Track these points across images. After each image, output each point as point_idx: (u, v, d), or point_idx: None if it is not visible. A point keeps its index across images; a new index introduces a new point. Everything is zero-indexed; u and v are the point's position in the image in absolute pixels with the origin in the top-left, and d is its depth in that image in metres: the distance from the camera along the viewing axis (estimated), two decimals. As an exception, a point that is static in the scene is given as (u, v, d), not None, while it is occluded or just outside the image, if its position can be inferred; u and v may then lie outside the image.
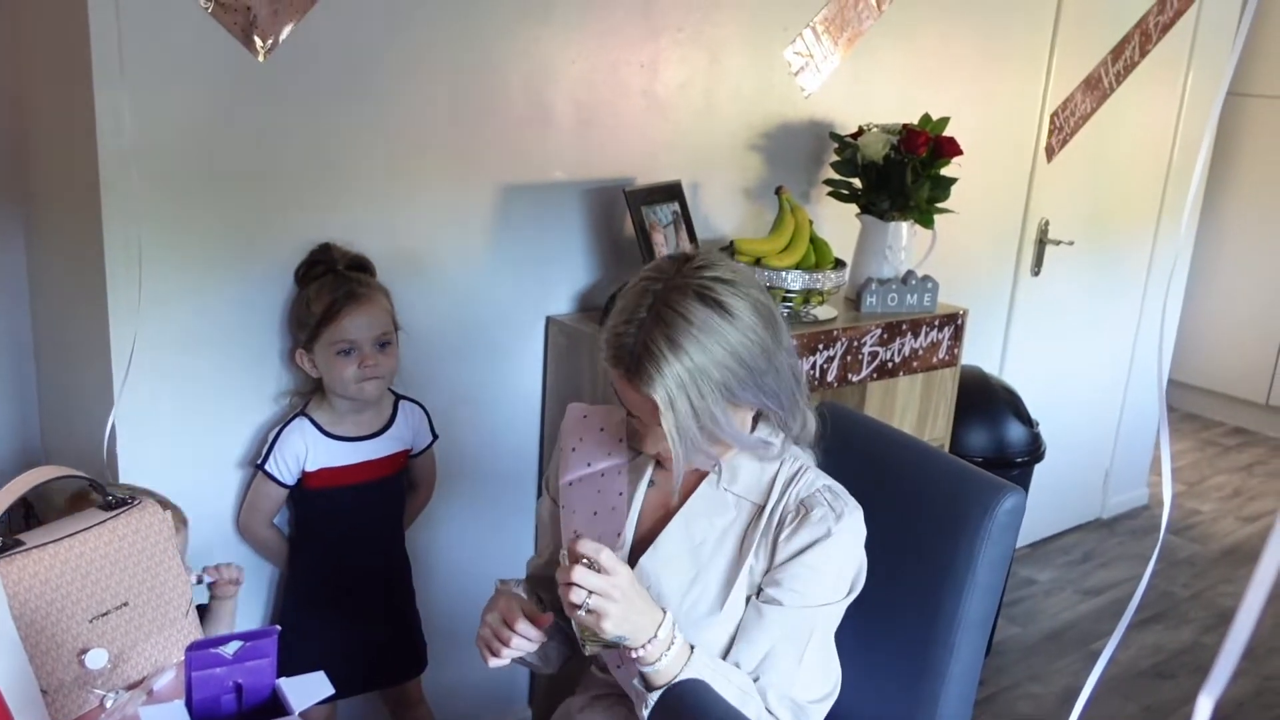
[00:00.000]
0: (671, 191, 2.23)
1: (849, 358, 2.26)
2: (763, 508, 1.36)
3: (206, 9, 1.69)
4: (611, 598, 1.18)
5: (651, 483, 1.43)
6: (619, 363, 1.26)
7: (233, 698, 1.16)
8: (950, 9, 2.71)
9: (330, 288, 1.82)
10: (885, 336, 2.31)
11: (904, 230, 2.42)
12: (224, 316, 1.84)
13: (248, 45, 1.75)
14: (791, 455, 1.39)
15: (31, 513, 1.75)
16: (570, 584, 1.18)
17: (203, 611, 1.65)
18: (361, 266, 1.89)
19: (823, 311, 2.27)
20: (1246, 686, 2.85)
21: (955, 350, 2.45)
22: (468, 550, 2.28)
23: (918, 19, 2.64)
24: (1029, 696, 2.79)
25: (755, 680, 1.32)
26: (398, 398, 1.99)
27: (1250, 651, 2.97)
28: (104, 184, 1.66)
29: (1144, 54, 3.26)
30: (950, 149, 2.34)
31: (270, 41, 1.76)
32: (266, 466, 1.88)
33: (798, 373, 1.35)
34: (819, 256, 2.29)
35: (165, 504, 1.57)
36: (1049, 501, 3.44)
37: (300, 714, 1.17)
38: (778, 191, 2.30)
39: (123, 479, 1.77)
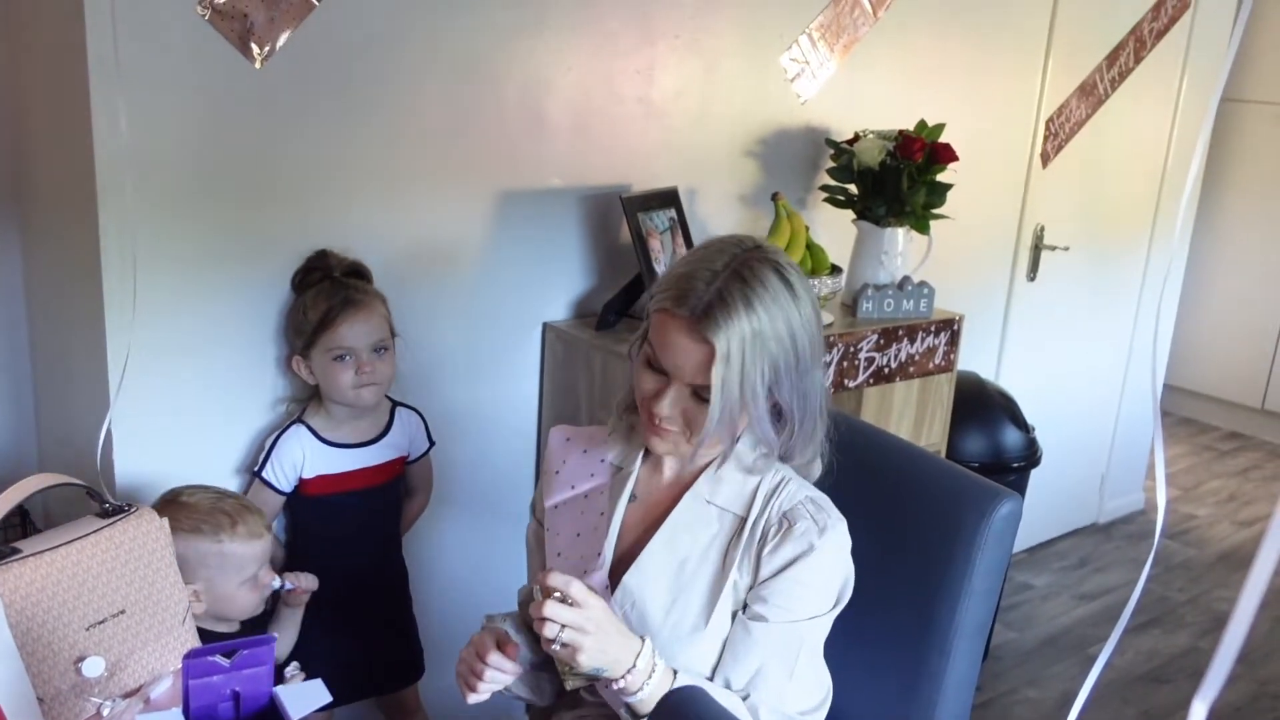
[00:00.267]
0: (668, 198, 2.23)
1: (845, 363, 2.26)
2: (745, 520, 1.34)
3: (203, 16, 1.69)
4: (585, 630, 1.18)
5: (633, 498, 1.42)
6: (683, 304, 1.24)
7: (230, 705, 1.16)
8: (946, 15, 2.72)
9: (327, 295, 1.82)
10: (881, 342, 2.31)
11: (900, 236, 2.42)
12: (220, 323, 1.84)
13: (244, 52, 1.75)
14: (774, 467, 1.38)
15: (28, 520, 1.75)
16: (542, 619, 1.17)
17: (263, 619, 1.69)
18: (359, 273, 1.89)
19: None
20: (1243, 691, 2.85)
21: (951, 356, 2.46)
22: (465, 557, 2.28)
23: (913, 25, 2.65)
24: (1026, 702, 2.79)
25: (746, 698, 1.31)
26: (395, 404, 1.99)
27: (1246, 656, 2.97)
28: (100, 190, 1.67)
29: (1139, 60, 3.27)
30: (946, 155, 2.35)
31: (267, 49, 1.77)
32: (263, 474, 1.88)
33: (824, 405, 1.34)
34: (815, 262, 2.29)
35: (250, 508, 1.62)
36: (1045, 506, 3.44)
37: (297, 722, 1.17)
38: (774, 197, 2.30)
39: (119, 486, 1.77)
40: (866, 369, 2.30)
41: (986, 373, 3.14)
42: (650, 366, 1.31)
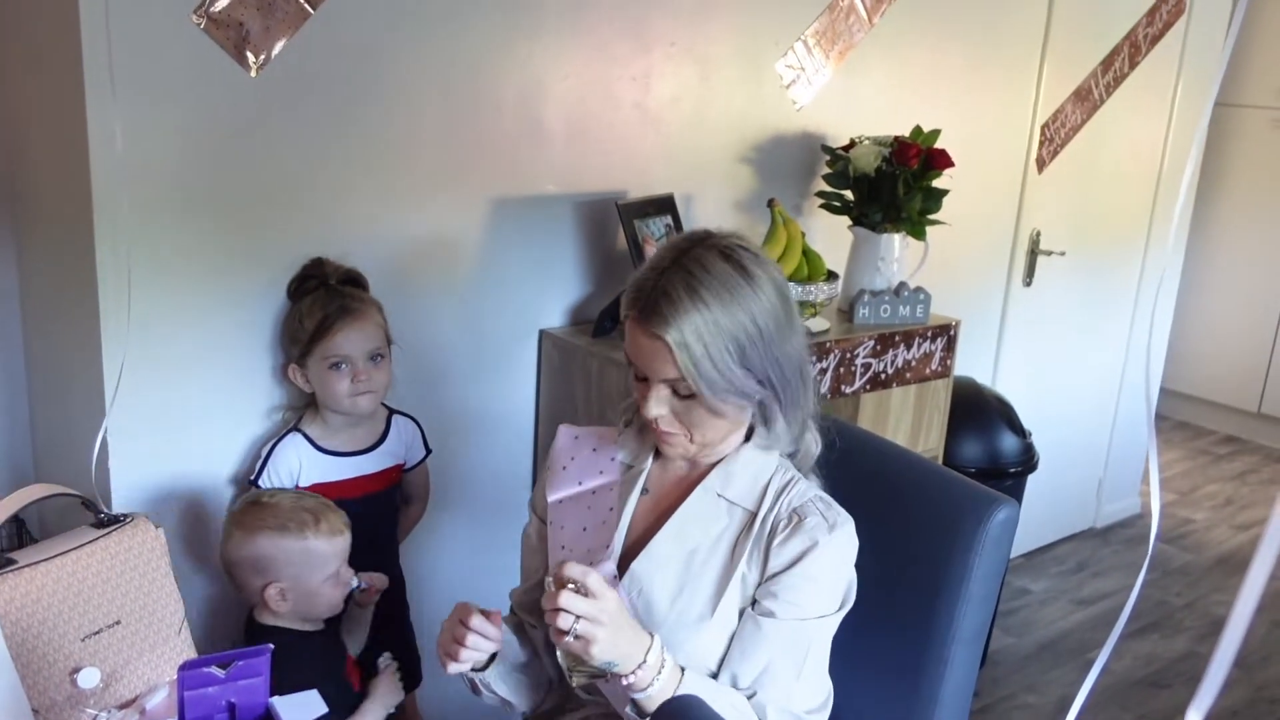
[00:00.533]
0: (664, 204, 2.23)
1: (842, 369, 2.26)
2: (755, 515, 1.36)
3: (199, 25, 1.70)
4: (599, 622, 1.17)
5: (645, 491, 1.43)
6: (635, 305, 1.28)
7: (225, 716, 1.15)
8: (941, 21, 2.73)
9: (323, 303, 1.82)
10: (878, 348, 2.31)
11: (896, 242, 2.42)
12: (216, 332, 1.84)
13: (240, 61, 1.75)
14: (783, 465, 1.40)
15: (24, 531, 1.74)
16: (557, 609, 1.16)
17: (334, 620, 1.73)
18: (354, 281, 1.89)
19: (815, 323, 2.27)
20: (1240, 696, 2.85)
21: (948, 361, 2.46)
22: (463, 564, 2.27)
23: (909, 31, 2.65)
24: (1024, 707, 2.79)
25: (753, 696, 1.31)
26: (391, 412, 1.99)
27: (1243, 660, 2.97)
28: (95, 200, 1.66)
29: (1134, 65, 3.28)
30: (942, 161, 2.35)
31: (263, 57, 1.77)
32: (260, 482, 1.88)
33: (806, 373, 1.35)
34: (811, 268, 2.29)
35: (330, 506, 1.66)
36: (1042, 511, 3.44)
37: (294, 732, 1.16)
38: (770, 204, 2.30)
39: (115, 497, 1.77)
40: (863, 375, 2.30)
41: (983, 378, 3.15)
42: (636, 375, 1.34)
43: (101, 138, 1.64)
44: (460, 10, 1.96)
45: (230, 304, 1.84)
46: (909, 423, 2.43)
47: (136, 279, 1.69)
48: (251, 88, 1.77)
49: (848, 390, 2.29)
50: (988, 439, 2.77)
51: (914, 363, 2.39)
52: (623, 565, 1.38)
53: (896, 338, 2.34)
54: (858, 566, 1.36)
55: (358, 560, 1.98)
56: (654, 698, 1.23)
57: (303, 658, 1.61)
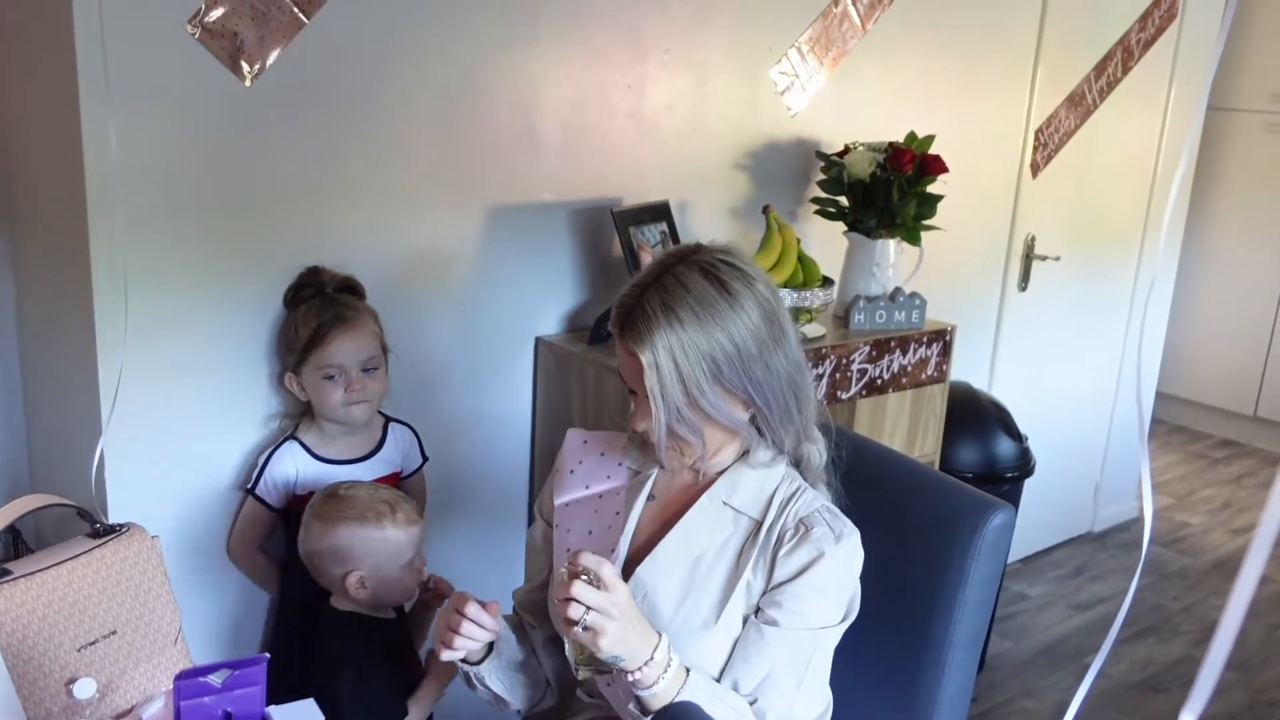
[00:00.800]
0: (659, 211, 2.24)
1: (838, 375, 2.26)
2: (760, 523, 1.36)
3: (193, 35, 1.70)
4: (609, 614, 1.17)
5: (651, 497, 1.44)
6: (617, 320, 1.31)
7: (222, 726, 1.15)
8: (934, 27, 2.74)
9: (317, 312, 1.82)
10: (874, 354, 2.31)
11: (891, 247, 2.43)
12: (212, 341, 1.84)
13: (235, 71, 1.75)
14: (790, 475, 1.40)
15: (19, 541, 1.74)
16: (568, 599, 1.17)
17: (399, 623, 1.79)
18: (351, 289, 1.89)
19: (811, 329, 2.27)
20: (1238, 699, 2.85)
21: (944, 366, 2.46)
22: (460, 572, 2.26)
23: (902, 38, 2.66)
24: (1022, 712, 2.79)
25: (754, 702, 1.31)
26: (388, 420, 1.99)
27: (1241, 664, 2.97)
28: (90, 210, 1.66)
29: (1126, 70, 3.29)
30: (936, 166, 2.36)
31: (257, 67, 1.77)
32: (256, 491, 1.88)
33: (798, 386, 1.35)
34: (807, 274, 2.30)
35: (404, 497, 1.73)
36: (1039, 516, 3.45)
37: (290, 741, 1.16)
38: (765, 210, 2.31)
39: (111, 506, 1.77)
40: (859, 381, 2.31)
41: (979, 383, 3.15)
42: (629, 388, 1.36)
43: (96, 147, 1.64)
44: (455, 19, 1.96)
45: (226, 312, 1.84)
46: (905, 428, 2.43)
47: (131, 288, 1.69)
48: (246, 97, 1.77)
49: (844, 396, 2.29)
50: (984, 444, 2.77)
51: (910, 368, 2.39)
52: (627, 570, 1.38)
53: (892, 343, 2.34)
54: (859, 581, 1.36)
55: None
56: (659, 696, 1.23)
57: (376, 641, 1.68)
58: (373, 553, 1.65)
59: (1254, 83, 4.51)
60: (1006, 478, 2.77)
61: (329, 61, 1.84)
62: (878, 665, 1.47)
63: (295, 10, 1.78)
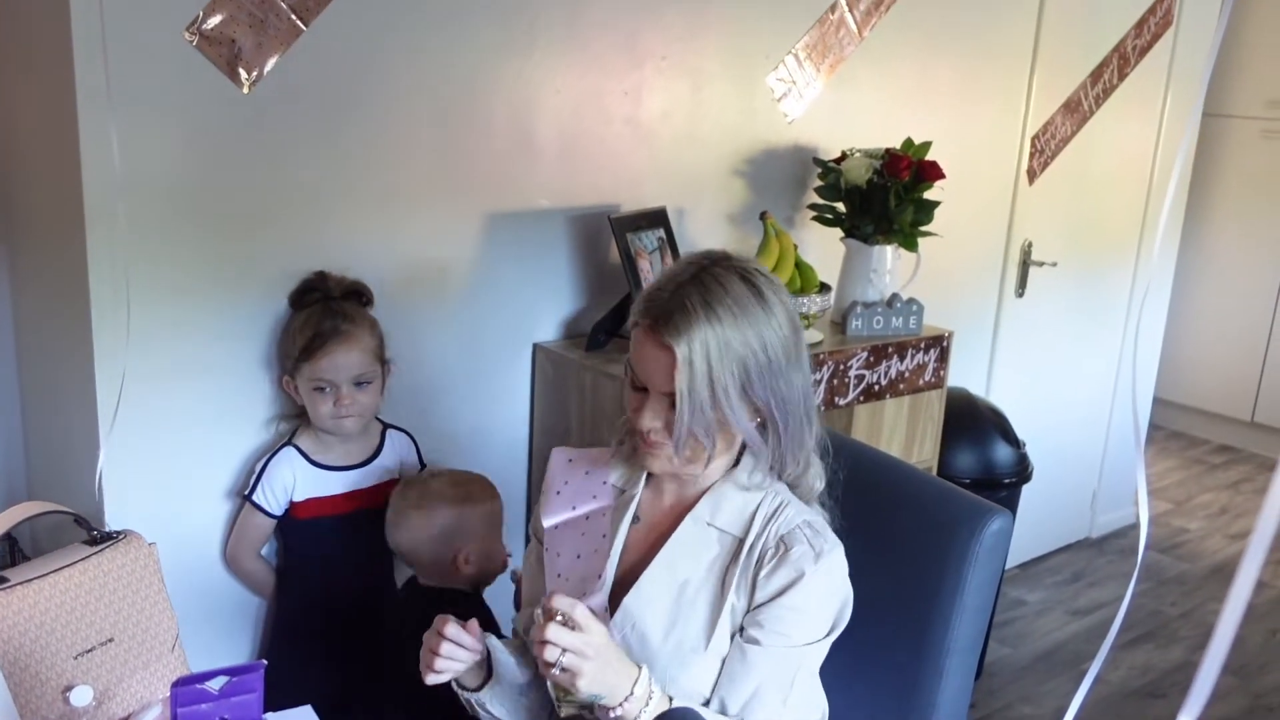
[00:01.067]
0: (657, 218, 2.24)
1: (835, 381, 2.26)
2: (743, 541, 1.34)
3: (191, 42, 1.70)
4: (585, 655, 1.17)
5: (636, 520, 1.42)
6: (648, 313, 1.27)
7: (219, 733, 1.15)
8: (930, 34, 2.74)
9: (315, 321, 1.81)
10: (871, 359, 2.32)
11: (888, 253, 2.43)
12: (211, 347, 1.84)
13: (232, 78, 1.75)
14: (773, 490, 1.38)
15: (16, 548, 1.74)
16: (544, 642, 1.16)
17: (479, 600, 1.85)
18: (357, 294, 1.89)
19: (809, 335, 2.28)
20: (1237, 704, 2.85)
21: (941, 372, 2.46)
22: (456, 579, 2.27)
23: (899, 44, 2.67)
24: (1020, 718, 2.79)
25: None
26: (385, 426, 1.99)
27: (1240, 669, 2.97)
28: (89, 217, 1.66)
29: (1123, 77, 3.30)
30: (933, 172, 2.36)
31: (255, 74, 1.77)
32: (254, 497, 1.87)
33: (810, 408, 1.35)
34: (804, 281, 2.30)
35: (482, 475, 1.86)
36: (1037, 522, 3.45)
37: (288, 748, 1.16)
38: (762, 216, 2.31)
39: (109, 512, 1.76)
40: (856, 386, 2.31)
41: (977, 389, 3.15)
42: (634, 384, 1.33)
43: (95, 153, 1.64)
44: (452, 26, 1.97)
45: (225, 319, 1.84)
46: (903, 434, 2.43)
47: (134, 293, 1.69)
48: (244, 104, 1.77)
49: (841, 402, 2.29)
50: (982, 450, 2.77)
51: (907, 374, 2.40)
52: (616, 595, 1.37)
53: (890, 349, 2.35)
54: (852, 579, 1.36)
55: (353, 577, 1.98)
56: None
57: (469, 612, 1.69)
58: (480, 528, 1.78)
59: (1249, 89, 4.52)
60: (1004, 483, 2.77)
61: (327, 69, 1.85)
62: (875, 671, 1.47)
63: (293, 17, 1.78)
